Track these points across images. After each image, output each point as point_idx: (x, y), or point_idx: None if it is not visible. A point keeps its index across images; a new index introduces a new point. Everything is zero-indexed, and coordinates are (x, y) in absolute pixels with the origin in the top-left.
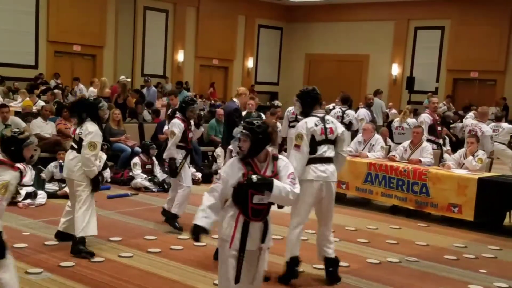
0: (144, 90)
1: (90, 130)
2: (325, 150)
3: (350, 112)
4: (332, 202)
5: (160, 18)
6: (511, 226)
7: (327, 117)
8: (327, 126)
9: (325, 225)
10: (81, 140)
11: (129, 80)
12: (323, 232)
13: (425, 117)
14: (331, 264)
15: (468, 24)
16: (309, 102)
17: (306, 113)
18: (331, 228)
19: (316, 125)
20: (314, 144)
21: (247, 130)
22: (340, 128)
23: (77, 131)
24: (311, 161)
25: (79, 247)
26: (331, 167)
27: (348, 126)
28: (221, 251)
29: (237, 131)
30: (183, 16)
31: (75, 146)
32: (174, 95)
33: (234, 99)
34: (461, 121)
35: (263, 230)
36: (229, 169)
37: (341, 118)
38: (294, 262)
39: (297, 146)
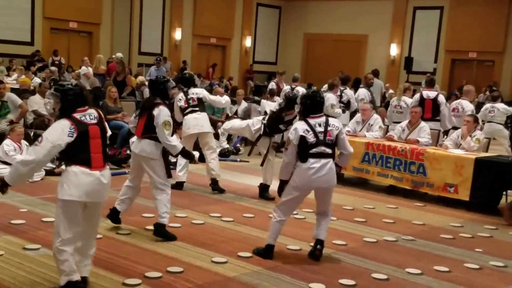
0: (153, 69)
1: None
2: None
3: (348, 92)
4: None
5: None
6: None
7: None
8: None
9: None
10: None
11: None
12: None
13: None
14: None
15: (467, 4)
16: None
17: None
18: None
19: None
20: None
21: (57, 92)
22: None
23: None
24: None
25: None
26: None
27: (347, 105)
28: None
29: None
30: None
31: None
32: None
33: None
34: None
35: None
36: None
37: (339, 98)
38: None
39: None
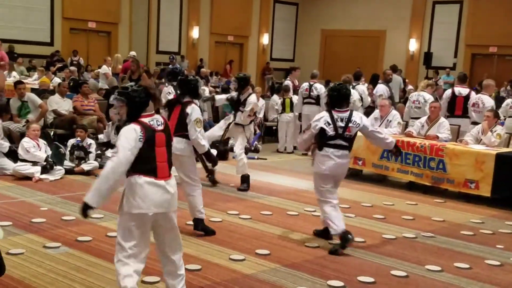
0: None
1: None
2: None
3: (360, 87)
4: None
5: None
6: None
7: None
8: None
9: None
10: None
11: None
12: None
13: None
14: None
15: None
16: None
17: None
18: None
19: None
20: None
21: (121, 95)
22: None
23: None
24: None
25: None
26: None
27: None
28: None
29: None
30: None
31: None
32: None
33: None
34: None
35: None
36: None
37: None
38: None
39: None
